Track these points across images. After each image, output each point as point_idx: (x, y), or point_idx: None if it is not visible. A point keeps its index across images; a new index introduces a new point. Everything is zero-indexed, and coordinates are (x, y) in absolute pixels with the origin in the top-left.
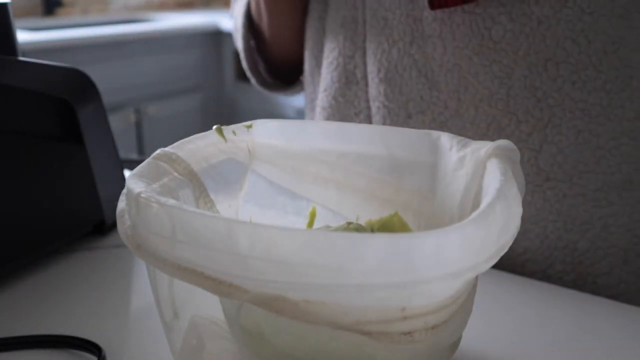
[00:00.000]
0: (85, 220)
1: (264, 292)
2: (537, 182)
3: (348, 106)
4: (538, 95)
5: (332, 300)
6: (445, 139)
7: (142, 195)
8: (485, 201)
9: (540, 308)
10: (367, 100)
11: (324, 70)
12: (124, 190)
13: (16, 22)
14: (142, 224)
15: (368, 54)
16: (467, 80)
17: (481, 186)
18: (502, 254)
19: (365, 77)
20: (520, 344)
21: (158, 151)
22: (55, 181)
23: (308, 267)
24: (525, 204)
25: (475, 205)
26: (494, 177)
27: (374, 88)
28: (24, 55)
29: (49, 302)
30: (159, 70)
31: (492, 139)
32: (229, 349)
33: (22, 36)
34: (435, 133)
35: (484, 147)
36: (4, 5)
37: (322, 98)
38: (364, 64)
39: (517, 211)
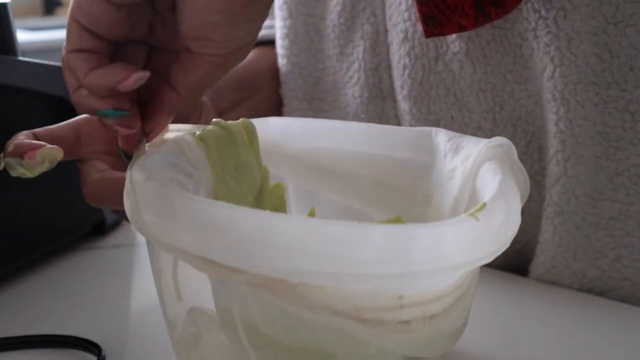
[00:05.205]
0: (85, 220)
1: (263, 274)
2: (548, 214)
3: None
4: (561, 125)
5: (329, 284)
6: (441, 140)
7: (146, 179)
8: (484, 198)
9: (542, 308)
10: (397, 117)
11: (328, 85)
12: (128, 172)
13: (16, 22)
14: (144, 207)
15: (393, 67)
16: (503, 98)
17: (474, 190)
18: (503, 249)
19: (392, 91)
20: (520, 343)
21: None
22: (55, 181)
23: (305, 254)
24: (532, 233)
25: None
26: (490, 177)
27: (401, 104)
28: (24, 55)
29: (49, 302)
30: None
31: (534, 158)
32: (224, 341)
33: (22, 36)
34: (433, 131)
35: (473, 154)
36: (4, 5)
37: (338, 116)
38: (390, 77)
39: (515, 207)
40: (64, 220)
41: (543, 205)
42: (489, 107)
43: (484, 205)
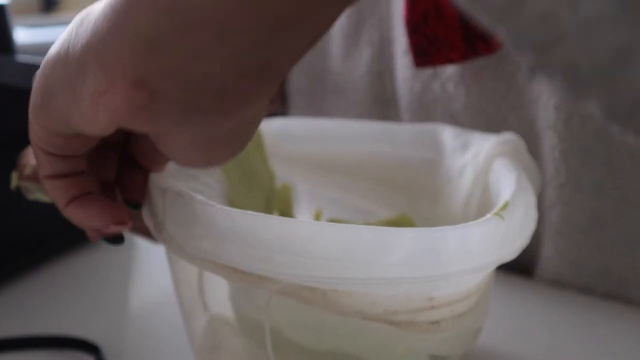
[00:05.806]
0: None
1: (293, 282)
2: (549, 234)
3: None
4: (555, 154)
5: (362, 290)
6: (448, 137)
7: (170, 190)
8: (503, 196)
9: (544, 308)
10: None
11: (331, 85)
12: (150, 184)
13: (14, 20)
14: (169, 219)
15: (396, 75)
16: (497, 123)
17: (486, 186)
18: (526, 244)
19: (395, 99)
20: (523, 343)
21: None
22: None
23: (335, 261)
24: (534, 251)
25: (480, 208)
26: (504, 174)
27: (403, 113)
28: (21, 54)
29: (48, 302)
30: None
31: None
32: (246, 347)
33: (21, 34)
34: (438, 128)
35: (483, 150)
36: (2, 6)
37: (340, 117)
38: (393, 84)
39: (532, 202)
40: (64, 219)
41: (542, 225)
42: (483, 131)
43: (507, 203)
